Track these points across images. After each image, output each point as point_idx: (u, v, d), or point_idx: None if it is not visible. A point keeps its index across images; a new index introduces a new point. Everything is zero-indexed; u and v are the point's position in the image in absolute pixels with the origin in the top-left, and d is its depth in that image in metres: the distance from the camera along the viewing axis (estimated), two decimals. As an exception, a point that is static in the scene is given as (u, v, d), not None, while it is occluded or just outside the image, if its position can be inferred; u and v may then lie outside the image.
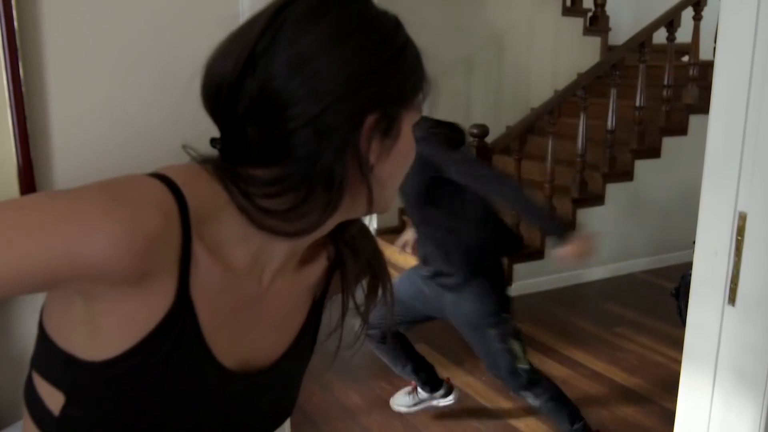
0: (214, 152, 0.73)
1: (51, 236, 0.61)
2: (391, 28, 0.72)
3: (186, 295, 0.69)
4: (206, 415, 0.77)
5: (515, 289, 4.22)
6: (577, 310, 4.06)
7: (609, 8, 5.79)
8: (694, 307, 1.39)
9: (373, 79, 0.69)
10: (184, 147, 0.71)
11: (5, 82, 1.15)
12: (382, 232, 5.17)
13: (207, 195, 0.69)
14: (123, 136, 1.29)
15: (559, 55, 5.61)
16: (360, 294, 0.88)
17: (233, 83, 0.68)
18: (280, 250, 0.76)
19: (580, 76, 4.39)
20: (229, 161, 0.71)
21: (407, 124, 0.74)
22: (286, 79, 0.66)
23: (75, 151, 1.26)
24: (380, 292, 0.87)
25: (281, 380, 0.85)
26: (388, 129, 0.71)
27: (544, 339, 3.62)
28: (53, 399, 0.71)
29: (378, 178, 0.72)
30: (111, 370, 0.68)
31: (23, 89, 1.17)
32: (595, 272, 4.54)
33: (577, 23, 5.73)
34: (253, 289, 0.77)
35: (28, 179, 1.21)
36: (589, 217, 4.40)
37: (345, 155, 0.68)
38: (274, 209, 0.69)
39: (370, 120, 0.69)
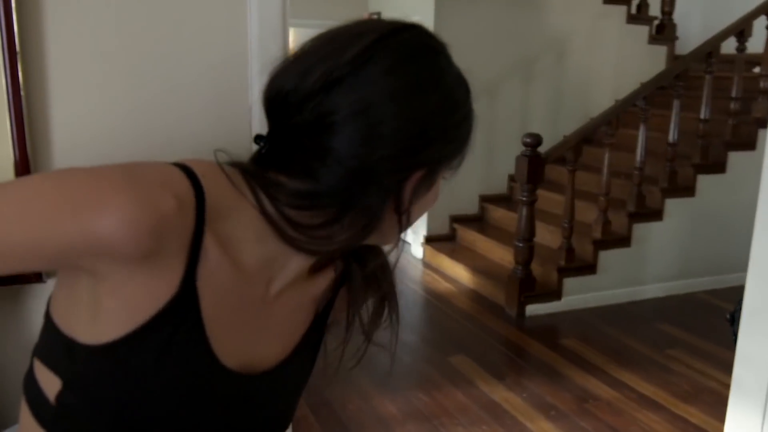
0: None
1: (65, 208, 0.63)
2: (463, 95, 0.74)
3: (191, 285, 0.69)
4: (203, 414, 0.76)
5: (564, 304, 4.10)
6: (628, 330, 3.90)
7: (677, 16, 5.59)
8: (744, 338, 1.29)
9: (431, 144, 0.71)
10: (216, 152, 0.72)
11: (4, 86, 1.14)
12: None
13: (227, 191, 0.70)
14: (127, 142, 1.26)
15: (623, 63, 5.44)
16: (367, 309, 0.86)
17: (303, 98, 0.68)
18: (294, 263, 0.77)
19: (642, 85, 4.23)
20: (262, 165, 0.72)
21: (440, 176, 0.77)
22: (348, 117, 0.67)
23: (76, 157, 1.23)
24: (386, 312, 0.85)
25: (280, 387, 0.84)
26: (428, 182, 0.74)
27: (592, 358, 3.48)
28: (51, 385, 0.71)
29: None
30: (109, 355, 0.68)
31: (22, 93, 1.15)
32: (651, 290, 4.36)
33: (643, 31, 5.55)
34: (260, 293, 0.76)
35: None
36: (646, 233, 4.24)
37: (385, 198, 0.71)
38: (301, 222, 0.70)
39: (417, 175, 0.71)
